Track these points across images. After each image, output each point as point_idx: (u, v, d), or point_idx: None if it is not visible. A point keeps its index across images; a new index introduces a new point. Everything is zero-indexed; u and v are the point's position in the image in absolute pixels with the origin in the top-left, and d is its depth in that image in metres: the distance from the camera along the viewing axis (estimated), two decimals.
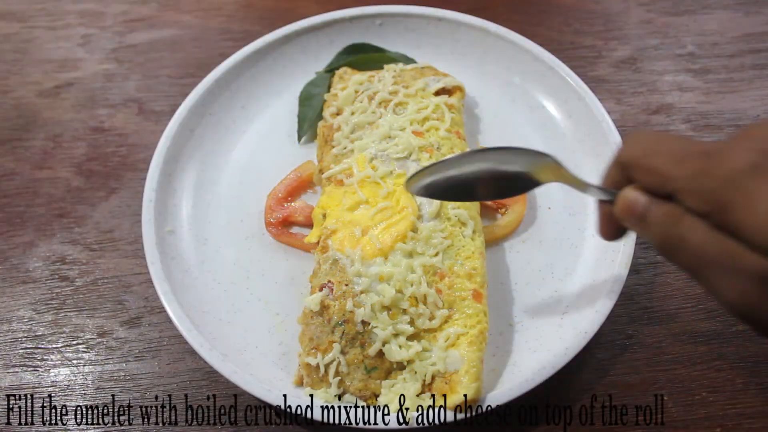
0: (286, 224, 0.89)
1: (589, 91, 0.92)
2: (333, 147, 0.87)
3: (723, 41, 1.10)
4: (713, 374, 0.78)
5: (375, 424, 0.69)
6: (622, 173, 0.59)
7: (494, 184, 0.69)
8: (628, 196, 0.57)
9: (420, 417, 0.69)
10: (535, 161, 0.67)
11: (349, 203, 0.80)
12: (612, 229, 0.64)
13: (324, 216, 0.81)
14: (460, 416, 0.69)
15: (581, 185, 0.65)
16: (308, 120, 0.96)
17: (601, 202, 0.64)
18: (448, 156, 0.69)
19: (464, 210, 0.80)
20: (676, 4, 1.16)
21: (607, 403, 0.77)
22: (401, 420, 0.69)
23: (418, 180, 0.71)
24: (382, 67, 0.96)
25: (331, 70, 0.99)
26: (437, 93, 0.91)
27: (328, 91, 0.95)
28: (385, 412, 0.70)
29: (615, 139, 0.87)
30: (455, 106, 0.90)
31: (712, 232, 0.50)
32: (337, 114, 0.91)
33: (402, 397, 0.70)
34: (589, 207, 0.88)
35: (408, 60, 1.00)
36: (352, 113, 0.89)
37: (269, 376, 0.75)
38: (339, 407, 0.71)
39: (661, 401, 0.77)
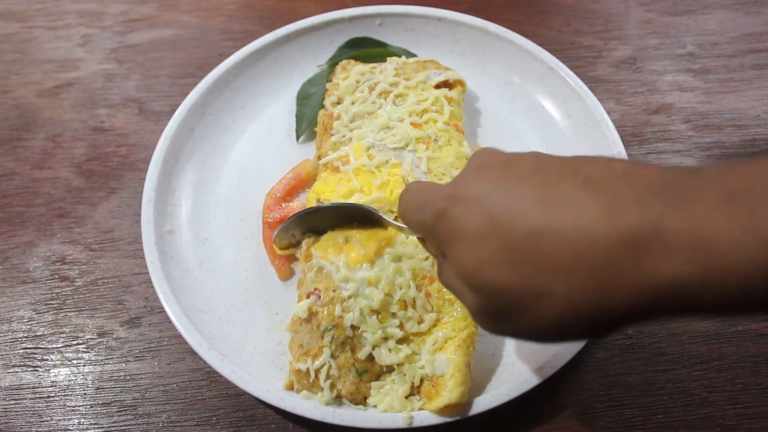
0: None
1: (588, 91, 0.92)
2: (332, 135, 0.88)
3: (723, 41, 1.10)
4: (713, 374, 0.78)
5: (375, 424, 0.69)
6: None
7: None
8: (426, 244, 0.64)
9: (416, 418, 0.69)
10: (364, 212, 0.76)
11: (344, 191, 0.80)
12: None
13: (318, 200, 0.82)
14: (451, 419, 0.69)
15: (400, 230, 0.70)
16: (306, 119, 0.96)
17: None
18: (294, 214, 0.79)
19: None
20: (676, 4, 1.16)
21: (607, 403, 0.77)
22: (401, 421, 0.69)
23: (283, 239, 0.82)
24: (384, 60, 0.96)
25: (333, 64, 1.00)
26: (438, 86, 0.92)
27: (329, 81, 0.96)
28: (383, 412, 0.70)
29: (615, 139, 0.87)
30: (455, 99, 0.90)
31: (450, 270, 0.54)
32: (338, 103, 0.91)
33: (391, 398, 0.70)
34: None
35: (410, 55, 1.00)
36: (353, 103, 0.90)
37: (268, 375, 0.75)
38: (336, 407, 0.71)
39: (661, 401, 0.77)
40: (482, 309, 0.51)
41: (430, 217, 0.53)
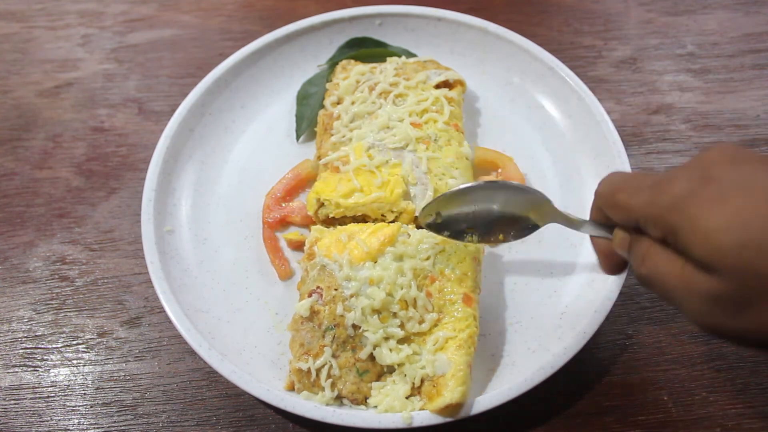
0: (284, 224, 0.88)
1: (588, 92, 0.92)
2: (332, 135, 0.88)
3: (723, 41, 1.10)
4: (713, 374, 0.78)
5: (375, 424, 0.69)
6: (601, 212, 0.63)
7: (498, 225, 0.73)
8: (618, 233, 0.61)
9: (416, 418, 0.69)
10: (533, 201, 0.71)
11: (344, 190, 0.81)
12: (610, 264, 0.67)
13: (318, 200, 0.82)
14: (452, 419, 0.69)
15: (577, 223, 0.69)
16: (306, 119, 0.96)
17: (594, 238, 0.68)
18: (456, 188, 0.73)
19: None
20: (676, 4, 1.16)
21: (607, 403, 0.77)
22: (400, 421, 0.69)
23: (428, 213, 0.74)
24: (384, 60, 0.96)
25: (333, 64, 1.00)
26: (438, 86, 0.92)
27: (329, 81, 0.96)
28: (383, 412, 0.70)
29: (614, 139, 0.87)
30: (455, 99, 0.91)
31: (671, 257, 0.53)
32: (338, 103, 0.92)
33: (391, 398, 0.70)
34: (587, 208, 0.87)
35: (410, 55, 1.00)
36: (353, 103, 0.90)
37: (268, 375, 0.75)
38: (336, 408, 0.71)
39: (661, 401, 0.77)
40: (723, 296, 0.48)
41: (668, 197, 0.51)
